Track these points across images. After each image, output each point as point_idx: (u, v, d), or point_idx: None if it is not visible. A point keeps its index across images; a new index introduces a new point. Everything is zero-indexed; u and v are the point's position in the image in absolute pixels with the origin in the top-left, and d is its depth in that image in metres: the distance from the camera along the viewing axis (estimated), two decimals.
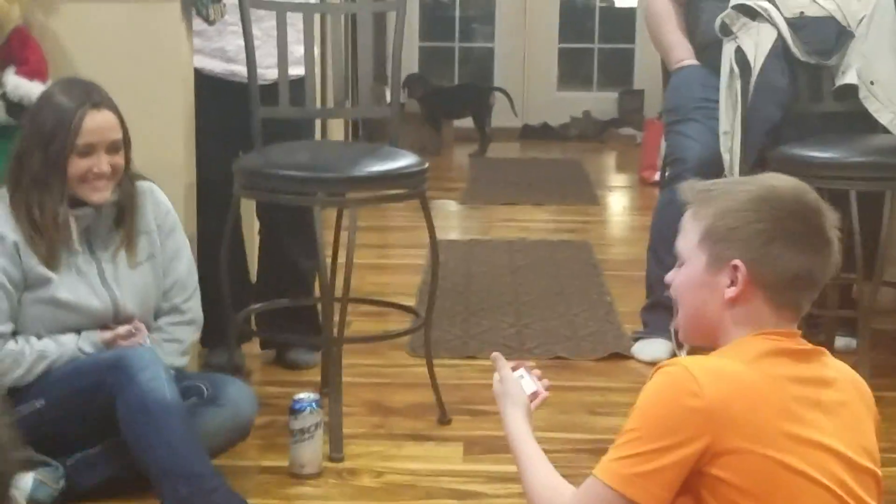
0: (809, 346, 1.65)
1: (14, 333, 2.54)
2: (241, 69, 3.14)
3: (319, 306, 3.38)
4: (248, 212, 3.55)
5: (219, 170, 3.13)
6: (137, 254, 2.64)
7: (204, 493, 2.36)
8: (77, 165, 2.51)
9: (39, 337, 2.54)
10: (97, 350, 2.55)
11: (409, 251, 4.99)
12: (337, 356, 2.89)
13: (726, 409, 1.52)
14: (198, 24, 3.15)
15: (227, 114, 3.18)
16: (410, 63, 8.49)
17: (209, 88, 3.17)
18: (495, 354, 1.96)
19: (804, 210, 1.64)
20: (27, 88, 2.81)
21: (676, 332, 1.76)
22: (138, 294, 2.64)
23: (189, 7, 2.98)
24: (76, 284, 2.56)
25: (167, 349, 2.67)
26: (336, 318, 2.95)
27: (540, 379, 1.95)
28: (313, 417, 2.70)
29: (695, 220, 1.68)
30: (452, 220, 5.90)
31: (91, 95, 2.52)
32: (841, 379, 1.65)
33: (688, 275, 1.69)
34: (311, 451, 2.71)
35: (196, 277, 2.79)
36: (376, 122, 6.69)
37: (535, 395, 1.92)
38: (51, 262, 2.53)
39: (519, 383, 1.91)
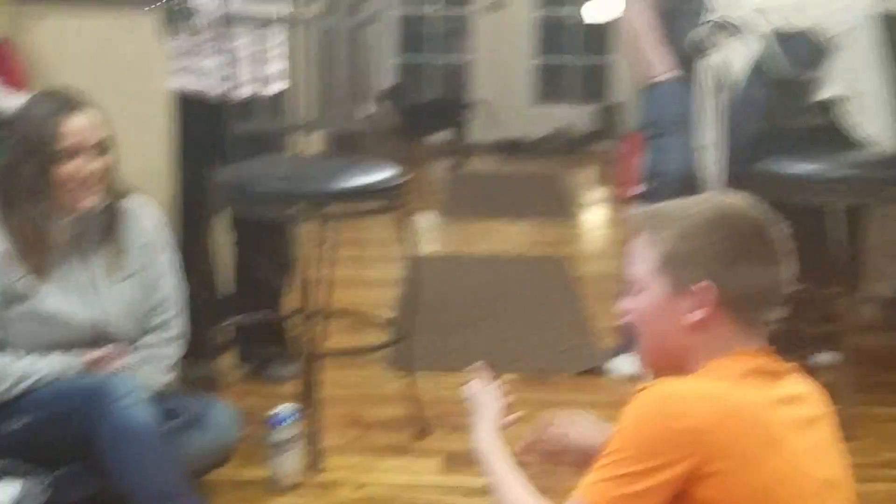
0: (781, 363, 1.65)
1: None
2: (214, 86, 3.13)
3: (293, 320, 3.37)
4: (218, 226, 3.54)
5: (193, 185, 3.12)
6: (126, 267, 2.62)
7: None
8: (64, 170, 2.49)
9: (26, 352, 2.52)
10: (78, 372, 2.52)
11: (386, 265, 4.97)
12: (316, 369, 2.88)
13: (713, 430, 1.51)
14: (173, 42, 3.14)
15: (201, 130, 3.17)
16: (387, 77, 8.50)
17: (183, 106, 3.16)
18: (479, 364, 1.93)
19: (760, 225, 1.63)
20: (7, 101, 2.80)
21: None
22: (125, 308, 2.61)
23: (165, 25, 2.97)
24: (65, 296, 2.54)
25: (153, 367, 2.64)
26: (316, 330, 2.94)
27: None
28: (292, 430, 2.69)
29: (650, 246, 1.65)
30: (431, 234, 5.89)
31: (67, 99, 2.51)
32: (810, 394, 1.66)
33: (649, 302, 1.66)
34: (291, 464, 2.71)
35: (181, 294, 2.75)
36: (351, 138, 6.68)
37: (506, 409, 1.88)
38: (41, 273, 2.51)
39: (493, 396, 1.88)
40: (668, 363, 1.67)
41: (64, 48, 2.93)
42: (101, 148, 2.53)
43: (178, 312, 2.72)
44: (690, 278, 1.61)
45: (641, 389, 1.58)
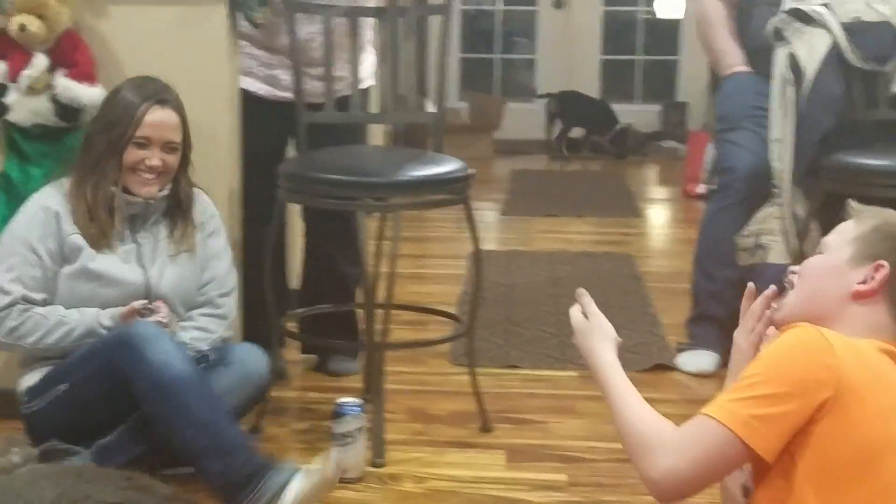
0: None
1: (45, 303, 2.60)
2: (287, 95, 3.11)
3: (360, 314, 3.36)
4: (293, 217, 3.55)
5: (260, 181, 3.11)
6: (180, 244, 2.70)
7: (239, 463, 2.37)
8: (132, 154, 2.63)
9: (64, 308, 2.60)
10: (115, 324, 2.57)
11: (448, 261, 4.97)
12: (380, 361, 2.87)
13: (854, 377, 1.52)
14: (252, 48, 3.14)
15: (273, 129, 3.17)
16: (451, 74, 8.51)
17: (254, 106, 3.15)
18: (581, 290, 1.91)
19: None
20: (77, 91, 2.83)
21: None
22: (172, 280, 2.68)
23: (235, 10, 2.97)
24: (112, 260, 2.63)
25: (195, 335, 2.68)
26: (379, 324, 2.93)
27: None
28: (356, 422, 2.69)
29: (858, 221, 1.75)
30: (493, 230, 5.87)
31: (159, 93, 2.65)
32: None
33: (825, 261, 1.73)
34: (354, 456, 2.70)
35: (235, 280, 2.82)
36: (416, 137, 6.70)
37: None
38: (96, 240, 2.61)
39: (605, 319, 1.86)
40: (807, 319, 1.69)
41: (132, 38, 2.93)
42: (171, 148, 2.65)
43: (227, 293, 2.78)
44: (872, 254, 1.68)
45: (787, 329, 1.61)
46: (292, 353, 3.52)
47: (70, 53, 2.85)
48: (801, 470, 1.52)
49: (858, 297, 1.67)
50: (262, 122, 3.16)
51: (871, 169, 3.08)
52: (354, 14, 3.03)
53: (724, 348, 3.48)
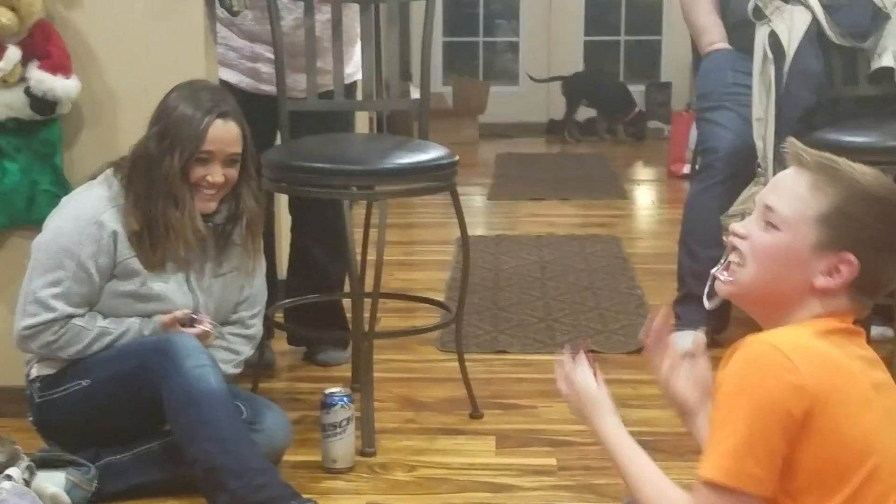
0: (855, 326, 1.61)
1: (85, 313, 2.53)
2: (271, 89, 3.10)
3: (348, 304, 3.35)
4: (281, 208, 3.54)
5: None
6: (225, 264, 2.65)
7: (254, 488, 2.32)
8: (194, 172, 2.51)
9: (103, 317, 2.53)
10: (155, 334, 2.53)
11: (435, 247, 4.96)
12: (368, 351, 2.86)
13: (822, 386, 1.48)
14: (236, 38, 3.11)
15: (257, 122, 3.15)
16: (434, 58, 8.48)
17: (236, 98, 3.12)
18: (567, 349, 1.85)
19: None
20: (51, 83, 2.79)
21: (713, 280, 1.69)
22: (216, 301, 2.64)
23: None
24: (166, 286, 2.55)
25: (223, 357, 2.64)
26: (367, 313, 2.93)
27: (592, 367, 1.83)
28: (345, 412, 2.68)
29: (815, 191, 1.57)
30: (479, 215, 5.86)
31: (219, 104, 2.53)
32: (878, 358, 1.62)
33: (786, 245, 1.58)
34: (344, 446, 2.69)
35: (266, 296, 2.78)
36: (400, 122, 6.67)
37: None
38: (153, 264, 2.52)
39: (601, 384, 1.77)
40: (760, 305, 1.64)
41: (106, 28, 2.89)
42: (232, 161, 2.55)
43: (257, 313, 2.75)
44: (838, 244, 1.56)
45: (736, 349, 1.54)
46: (280, 343, 3.51)
47: (43, 45, 2.81)
48: (788, 488, 1.50)
49: (822, 292, 1.57)
50: (246, 115, 3.14)
51: (852, 146, 3.07)
52: (337, 1, 3.01)
53: (709, 329, 3.49)
